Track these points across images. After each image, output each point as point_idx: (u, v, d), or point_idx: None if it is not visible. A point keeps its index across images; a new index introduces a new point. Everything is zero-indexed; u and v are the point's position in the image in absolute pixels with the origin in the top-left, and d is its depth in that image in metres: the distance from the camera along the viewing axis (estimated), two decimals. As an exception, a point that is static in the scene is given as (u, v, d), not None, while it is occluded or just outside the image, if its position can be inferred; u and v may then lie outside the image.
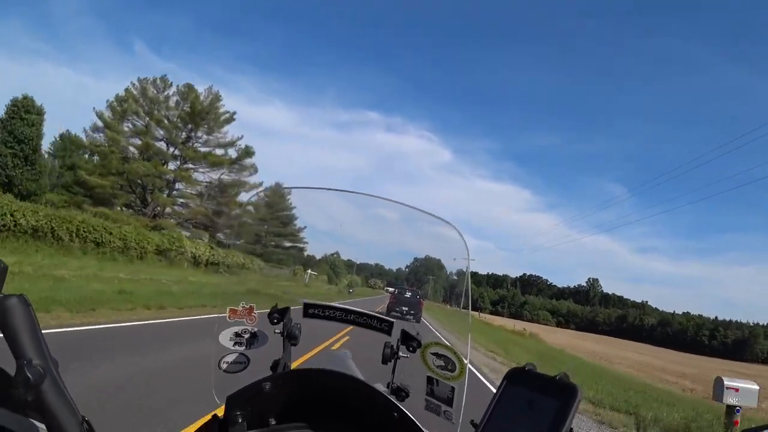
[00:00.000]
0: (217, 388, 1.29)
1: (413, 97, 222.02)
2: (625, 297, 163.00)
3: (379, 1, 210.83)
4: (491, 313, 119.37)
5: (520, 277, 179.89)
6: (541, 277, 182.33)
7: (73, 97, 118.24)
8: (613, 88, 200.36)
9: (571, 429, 0.72)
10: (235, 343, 1.39)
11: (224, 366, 1.37)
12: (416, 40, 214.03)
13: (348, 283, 52.64)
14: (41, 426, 0.74)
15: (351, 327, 1.44)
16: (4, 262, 0.70)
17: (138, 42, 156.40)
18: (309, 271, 32.08)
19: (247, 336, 1.39)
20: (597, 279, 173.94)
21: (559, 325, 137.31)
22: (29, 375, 0.63)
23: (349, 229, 1.60)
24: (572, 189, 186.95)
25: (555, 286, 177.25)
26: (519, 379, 0.83)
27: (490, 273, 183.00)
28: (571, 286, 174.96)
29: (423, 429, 0.97)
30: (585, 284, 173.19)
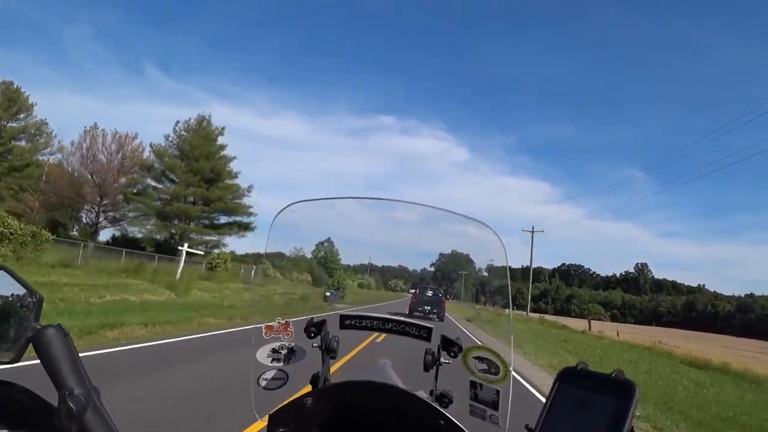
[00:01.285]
0: (257, 405, 1.32)
1: (425, 98, 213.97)
2: (678, 282, 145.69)
3: (382, 5, 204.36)
4: (534, 310, 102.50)
5: (558, 267, 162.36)
6: (582, 267, 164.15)
7: (89, 122, 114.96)
8: (626, 72, 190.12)
9: (632, 428, 0.69)
10: (273, 360, 1.40)
11: (263, 383, 1.38)
12: (423, 40, 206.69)
13: (336, 284, 38.97)
14: None
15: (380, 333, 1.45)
16: (40, 294, 0.71)
17: (149, 65, 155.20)
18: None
19: (284, 352, 1.40)
20: (646, 264, 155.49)
21: (614, 318, 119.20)
22: (72, 405, 0.63)
23: (374, 234, 1.60)
24: (591, 178, 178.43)
25: (599, 275, 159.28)
26: (572, 378, 0.79)
27: (524, 266, 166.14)
28: (618, 275, 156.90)
29: None
30: (633, 270, 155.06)
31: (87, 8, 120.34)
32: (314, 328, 1.38)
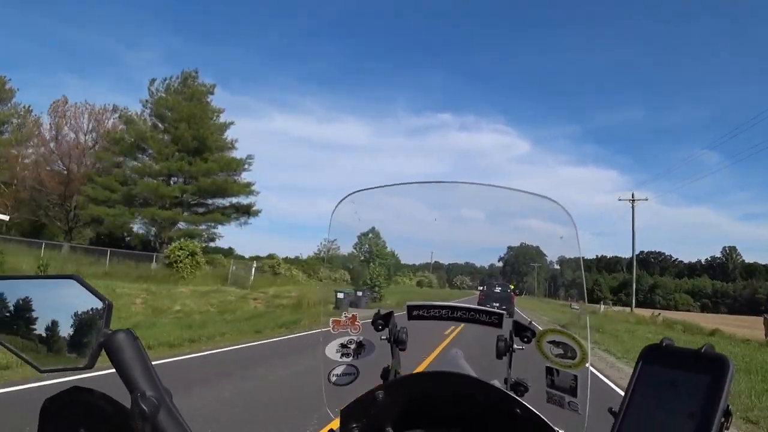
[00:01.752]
0: (329, 401, 1.32)
1: (483, 92, 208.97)
2: None
3: (433, 2, 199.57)
4: (615, 303, 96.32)
5: (637, 256, 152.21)
6: (664, 254, 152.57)
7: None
8: (691, 50, 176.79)
9: (728, 406, 0.65)
10: (342, 355, 1.40)
11: (334, 379, 1.38)
12: (476, 33, 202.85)
13: (370, 282, 36.65)
14: None
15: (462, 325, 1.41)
16: (109, 300, 0.74)
17: (207, 82, 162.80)
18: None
19: (353, 346, 1.40)
20: (734, 247, 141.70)
21: (704, 309, 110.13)
22: (144, 407, 0.66)
23: (435, 226, 1.51)
24: (660, 162, 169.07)
25: (681, 262, 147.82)
26: (657, 357, 0.75)
27: (599, 256, 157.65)
28: (703, 261, 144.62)
29: (549, 423, 0.93)
30: (720, 255, 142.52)
31: (149, 34, 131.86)
32: (381, 321, 1.38)
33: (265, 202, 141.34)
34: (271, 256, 36.75)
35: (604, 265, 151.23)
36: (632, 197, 35.33)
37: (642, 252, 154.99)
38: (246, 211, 36.50)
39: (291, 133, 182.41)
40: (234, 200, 36.24)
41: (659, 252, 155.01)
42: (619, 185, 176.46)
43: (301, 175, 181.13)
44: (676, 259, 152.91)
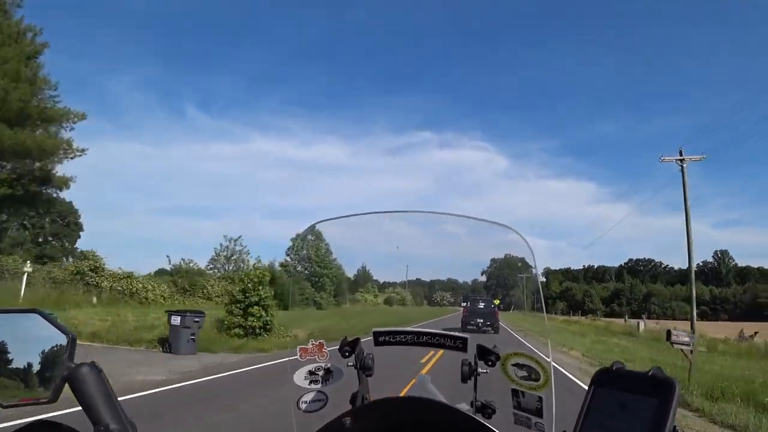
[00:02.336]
0: (298, 428, 1.33)
1: (462, 109, 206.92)
2: (766, 268, 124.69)
3: (410, 22, 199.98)
4: (607, 315, 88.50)
5: (625, 264, 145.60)
6: (653, 261, 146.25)
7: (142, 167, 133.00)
8: (665, 63, 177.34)
9: (675, 427, 0.68)
10: (311, 381, 1.42)
11: (303, 406, 1.40)
12: (455, 51, 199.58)
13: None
14: None
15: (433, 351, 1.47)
16: (73, 333, 0.75)
17: (189, 106, 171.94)
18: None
19: (321, 373, 1.42)
20: (726, 251, 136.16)
21: (703, 317, 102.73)
22: None
23: (410, 248, 1.58)
24: (638, 174, 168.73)
25: (672, 268, 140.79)
26: (607, 380, 0.77)
27: (586, 265, 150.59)
28: (695, 266, 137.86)
29: None
30: (712, 260, 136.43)
31: (129, 59, 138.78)
32: (348, 347, 1.39)
33: (250, 223, 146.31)
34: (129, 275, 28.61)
35: (592, 274, 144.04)
36: (680, 155, 26.13)
37: (630, 260, 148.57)
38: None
39: (273, 155, 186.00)
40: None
41: (648, 259, 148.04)
42: (598, 197, 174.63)
43: (283, 197, 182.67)
44: (667, 265, 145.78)
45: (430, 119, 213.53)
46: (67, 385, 0.71)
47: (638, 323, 30.56)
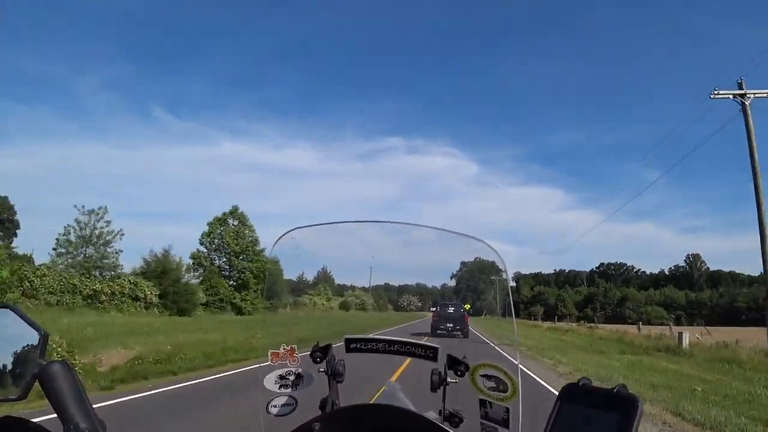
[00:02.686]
0: None
1: (431, 116, 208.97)
2: (738, 272, 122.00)
3: (382, 28, 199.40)
4: (580, 319, 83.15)
5: (597, 268, 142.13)
6: (626, 264, 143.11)
7: (104, 168, 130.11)
8: (631, 71, 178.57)
9: None
10: (281, 386, 1.43)
11: (273, 410, 1.41)
12: (423, 58, 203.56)
13: None
14: None
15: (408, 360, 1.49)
16: (45, 330, 0.74)
17: (156, 108, 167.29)
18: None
19: (292, 378, 1.43)
20: (699, 255, 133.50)
21: (679, 322, 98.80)
22: None
23: (380, 254, 1.59)
24: (604, 181, 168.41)
25: (643, 272, 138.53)
26: (574, 395, 0.77)
27: (557, 270, 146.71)
28: (666, 270, 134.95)
29: None
30: (684, 264, 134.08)
31: (96, 59, 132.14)
32: (320, 353, 1.41)
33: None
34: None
35: (563, 279, 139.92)
36: (740, 88, 18.68)
37: (601, 264, 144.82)
38: None
39: (241, 159, 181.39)
40: None
41: (620, 263, 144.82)
42: (565, 204, 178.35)
43: (251, 200, 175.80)
44: (639, 269, 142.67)
45: (399, 125, 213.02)
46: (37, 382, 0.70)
47: (680, 335, 21.71)
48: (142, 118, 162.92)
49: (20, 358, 0.72)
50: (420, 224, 1.32)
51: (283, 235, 1.33)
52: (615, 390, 0.72)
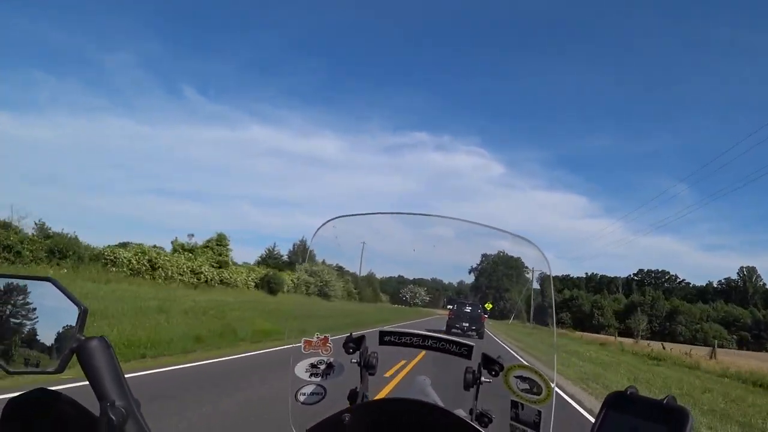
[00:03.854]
0: (294, 420, 1.33)
1: (460, 113, 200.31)
2: None
3: (415, 23, 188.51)
4: (623, 334, 67.04)
5: (635, 274, 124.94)
6: (669, 273, 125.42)
7: (133, 145, 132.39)
8: (665, 82, 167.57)
9: None
10: (312, 375, 1.43)
11: (301, 398, 1.41)
12: (456, 55, 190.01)
13: None
14: None
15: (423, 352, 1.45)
16: (84, 305, 0.74)
17: (187, 88, 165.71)
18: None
19: (323, 367, 1.43)
20: (754, 268, 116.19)
21: (742, 345, 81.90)
22: (112, 416, 0.66)
23: (413, 249, 1.56)
24: (629, 191, 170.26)
25: (689, 284, 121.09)
26: (621, 404, 0.76)
27: (589, 273, 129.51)
28: (714, 283, 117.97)
29: None
30: (737, 277, 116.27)
31: (130, 37, 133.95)
32: (353, 344, 1.42)
33: (237, 211, 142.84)
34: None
35: (595, 285, 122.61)
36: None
37: (640, 271, 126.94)
38: None
39: (266, 144, 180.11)
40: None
41: (663, 271, 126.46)
42: (589, 212, 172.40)
43: (274, 187, 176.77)
44: (683, 280, 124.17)
45: (427, 120, 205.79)
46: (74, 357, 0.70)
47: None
48: (171, 96, 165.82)
49: (59, 332, 0.72)
50: (474, 222, 1.33)
51: (325, 223, 1.33)
52: (664, 401, 0.69)
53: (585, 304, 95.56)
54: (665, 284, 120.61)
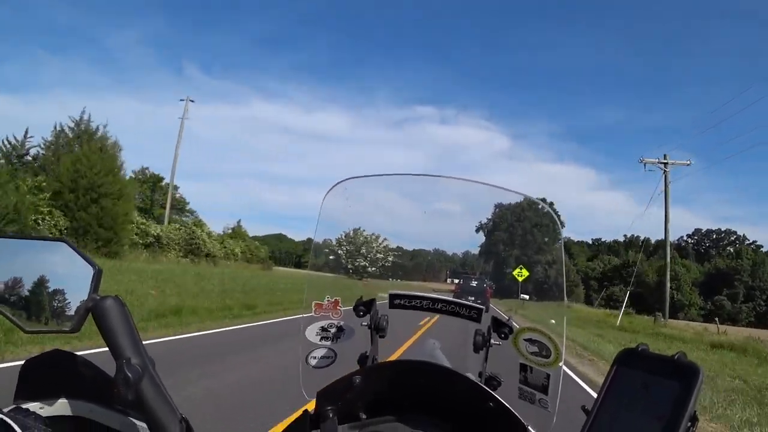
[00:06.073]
0: (305, 383, 1.35)
1: (465, 86, 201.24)
2: None
3: None
4: (708, 320, 37.80)
5: (690, 235, 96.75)
6: (735, 232, 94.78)
7: (137, 123, 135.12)
8: (673, 53, 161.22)
9: (695, 412, 0.68)
10: (322, 338, 1.44)
11: (312, 361, 1.42)
12: (460, 25, 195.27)
13: None
14: (142, 425, 0.78)
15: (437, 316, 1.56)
16: (98, 266, 0.75)
17: (190, 65, 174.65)
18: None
19: (333, 330, 1.44)
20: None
21: None
22: (129, 374, 0.67)
23: (424, 212, 1.61)
24: (637, 163, 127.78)
25: (761, 246, 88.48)
26: (631, 360, 0.77)
27: (628, 236, 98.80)
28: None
29: (520, 418, 0.97)
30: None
31: (134, 14, 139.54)
32: (363, 307, 1.43)
33: (244, 187, 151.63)
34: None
35: (637, 250, 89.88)
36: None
37: (697, 231, 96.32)
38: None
39: (271, 120, 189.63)
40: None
41: (727, 230, 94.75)
42: (597, 184, 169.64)
43: (279, 163, 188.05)
44: (753, 241, 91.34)
45: (433, 94, 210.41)
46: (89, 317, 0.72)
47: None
48: (175, 74, 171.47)
49: (74, 293, 0.73)
50: (474, 179, 1.35)
51: (336, 184, 1.32)
52: (675, 357, 0.70)
53: (648, 274, 65.77)
54: (728, 248, 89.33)
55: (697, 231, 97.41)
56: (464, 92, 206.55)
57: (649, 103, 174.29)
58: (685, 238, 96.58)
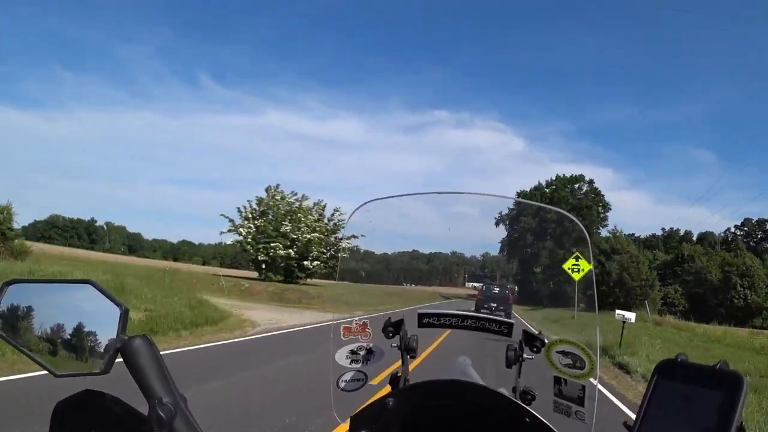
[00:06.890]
0: (337, 407, 1.37)
1: (478, 89, 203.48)
2: None
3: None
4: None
5: (739, 226, 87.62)
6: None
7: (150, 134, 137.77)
8: (686, 48, 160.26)
9: (741, 423, 0.66)
10: (352, 361, 1.45)
11: (342, 385, 1.43)
12: (471, 29, 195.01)
13: None
14: None
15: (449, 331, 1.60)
16: (125, 305, 0.75)
17: (203, 76, 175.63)
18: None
19: (363, 353, 1.45)
20: None
21: None
22: (161, 413, 0.68)
23: (449, 229, 1.61)
24: (655, 161, 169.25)
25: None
26: (672, 371, 0.75)
27: (668, 229, 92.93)
28: None
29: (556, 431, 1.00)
30: None
31: (144, 27, 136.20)
32: (392, 328, 1.43)
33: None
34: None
35: (676, 248, 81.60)
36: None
37: (747, 221, 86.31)
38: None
39: (285, 128, 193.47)
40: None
41: None
42: (614, 183, 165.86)
43: (293, 170, 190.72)
44: None
45: (446, 98, 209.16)
46: (119, 357, 0.72)
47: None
48: (188, 85, 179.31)
49: (102, 333, 0.73)
50: (501, 195, 1.24)
51: (359, 207, 1.36)
52: (717, 366, 0.68)
53: (712, 270, 55.31)
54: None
55: (747, 221, 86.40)
56: (477, 95, 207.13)
57: (661, 99, 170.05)
58: (732, 229, 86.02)
